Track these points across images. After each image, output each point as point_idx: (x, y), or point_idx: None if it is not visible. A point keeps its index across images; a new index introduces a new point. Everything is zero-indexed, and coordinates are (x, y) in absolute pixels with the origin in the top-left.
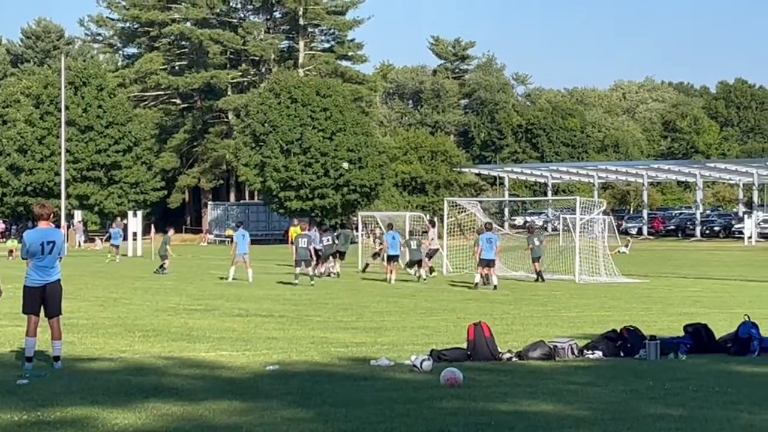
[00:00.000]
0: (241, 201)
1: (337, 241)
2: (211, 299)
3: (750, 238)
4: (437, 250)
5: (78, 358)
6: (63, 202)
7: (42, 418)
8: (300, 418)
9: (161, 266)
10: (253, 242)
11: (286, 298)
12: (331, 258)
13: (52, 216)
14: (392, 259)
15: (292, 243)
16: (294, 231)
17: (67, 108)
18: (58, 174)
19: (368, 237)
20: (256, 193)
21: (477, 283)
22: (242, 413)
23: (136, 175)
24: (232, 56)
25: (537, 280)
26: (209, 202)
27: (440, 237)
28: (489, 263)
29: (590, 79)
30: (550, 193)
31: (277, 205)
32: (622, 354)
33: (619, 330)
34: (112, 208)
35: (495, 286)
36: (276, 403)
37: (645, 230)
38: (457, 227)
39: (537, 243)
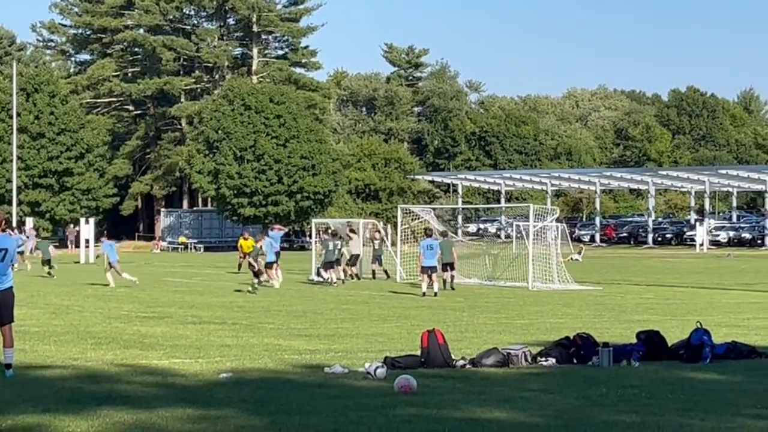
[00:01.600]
0: (194, 208)
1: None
2: (164, 306)
3: (701, 245)
4: (358, 255)
5: (30, 365)
6: (14, 209)
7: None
8: (253, 426)
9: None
10: (206, 249)
11: (239, 305)
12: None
13: (3, 223)
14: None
15: (243, 255)
16: (245, 244)
17: (18, 114)
18: (9, 181)
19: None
20: (209, 200)
21: (425, 292)
22: (195, 421)
23: (88, 182)
24: (185, 63)
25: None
26: (162, 209)
27: (394, 244)
28: (431, 269)
29: (543, 87)
30: (503, 200)
31: (230, 212)
32: (575, 361)
33: (572, 337)
34: (63, 214)
35: (436, 293)
36: (230, 411)
37: (598, 238)
38: (410, 234)
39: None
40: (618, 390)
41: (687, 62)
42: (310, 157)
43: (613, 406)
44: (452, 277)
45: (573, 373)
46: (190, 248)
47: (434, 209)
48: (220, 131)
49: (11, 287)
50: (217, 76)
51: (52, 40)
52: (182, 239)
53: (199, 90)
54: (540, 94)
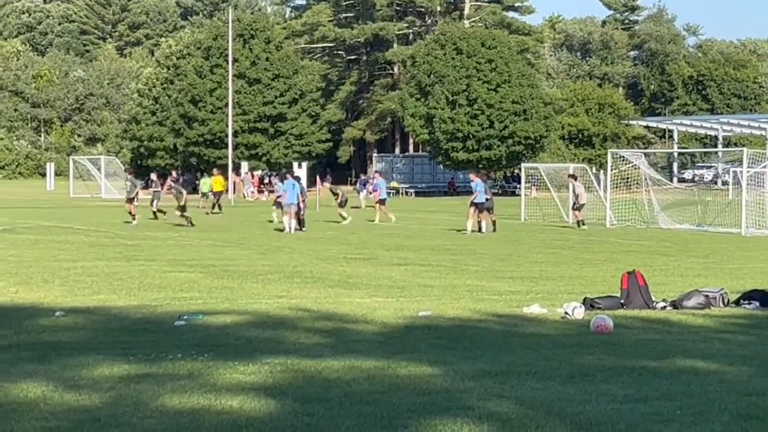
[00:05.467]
0: (406, 153)
1: None
2: (372, 249)
3: None
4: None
5: (212, 311)
6: (230, 153)
7: (158, 371)
8: (445, 361)
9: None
10: (417, 194)
11: (446, 248)
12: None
13: None
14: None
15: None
16: (217, 180)
17: (236, 60)
18: (228, 125)
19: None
20: (420, 145)
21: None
22: (390, 355)
23: (300, 127)
24: (398, 8)
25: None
26: (374, 155)
27: (604, 189)
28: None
29: (764, 30)
30: (720, 146)
31: (443, 157)
32: None
33: None
34: (278, 158)
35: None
36: (425, 346)
37: None
38: (620, 180)
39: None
40: None
41: None
42: (521, 102)
43: None
44: None
45: None
46: (402, 193)
47: (646, 155)
48: (432, 75)
49: None
50: (429, 21)
51: None
52: (394, 184)
53: (411, 35)
54: (760, 37)
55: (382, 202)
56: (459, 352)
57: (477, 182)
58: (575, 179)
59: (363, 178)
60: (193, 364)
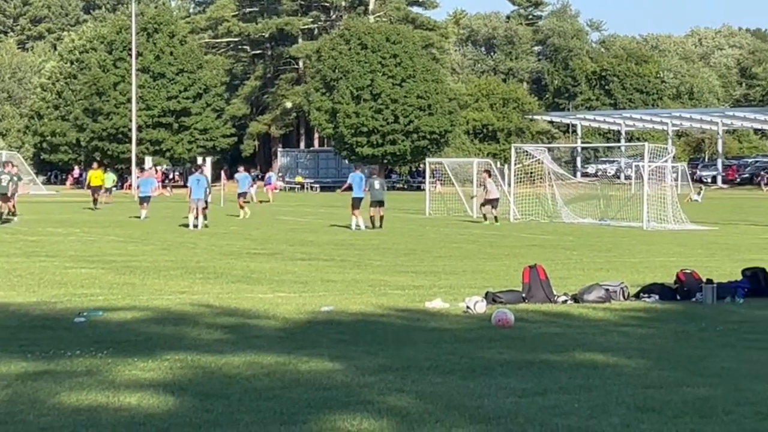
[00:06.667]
0: (311, 148)
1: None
2: (276, 244)
3: None
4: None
5: (113, 307)
6: (134, 148)
7: (56, 369)
8: (346, 356)
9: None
10: (322, 189)
11: (350, 243)
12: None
13: None
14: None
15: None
16: (96, 175)
17: (139, 54)
18: (131, 120)
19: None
20: (325, 140)
21: (358, 225)
22: (291, 350)
23: (205, 121)
24: (303, 3)
25: None
26: (279, 149)
27: (508, 184)
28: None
29: (666, 26)
30: (623, 140)
31: (348, 152)
32: (678, 298)
33: (675, 274)
34: (182, 153)
35: (359, 226)
36: (326, 341)
37: (719, 179)
38: (524, 174)
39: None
40: (717, 326)
41: None
42: (426, 97)
43: (709, 340)
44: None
45: (674, 310)
46: (307, 188)
47: (550, 149)
48: (337, 70)
49: None
50: (334, 16)
51: None
52: (299, 179)
53: (316, 30)
54: (662, 33)
55: (241, 195)
56: (361, 347)
57: (354, 174)
58: (489, 175)
59: (251, 173)
60: (91, 361)
